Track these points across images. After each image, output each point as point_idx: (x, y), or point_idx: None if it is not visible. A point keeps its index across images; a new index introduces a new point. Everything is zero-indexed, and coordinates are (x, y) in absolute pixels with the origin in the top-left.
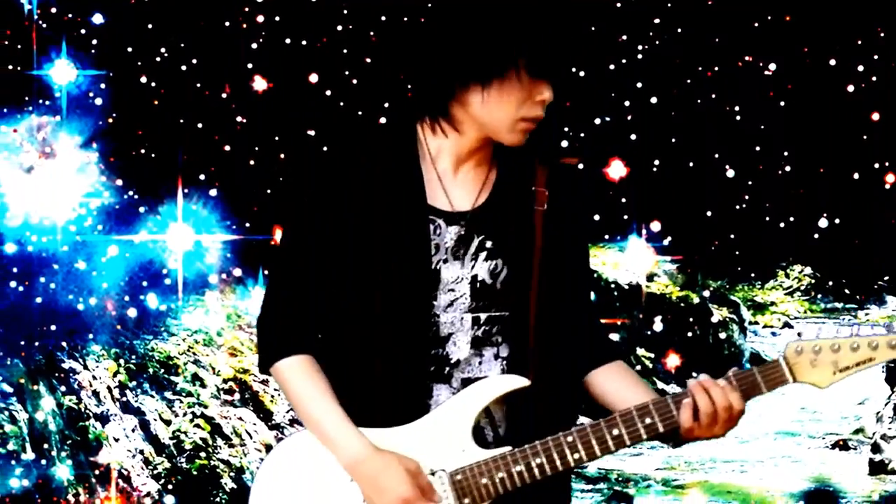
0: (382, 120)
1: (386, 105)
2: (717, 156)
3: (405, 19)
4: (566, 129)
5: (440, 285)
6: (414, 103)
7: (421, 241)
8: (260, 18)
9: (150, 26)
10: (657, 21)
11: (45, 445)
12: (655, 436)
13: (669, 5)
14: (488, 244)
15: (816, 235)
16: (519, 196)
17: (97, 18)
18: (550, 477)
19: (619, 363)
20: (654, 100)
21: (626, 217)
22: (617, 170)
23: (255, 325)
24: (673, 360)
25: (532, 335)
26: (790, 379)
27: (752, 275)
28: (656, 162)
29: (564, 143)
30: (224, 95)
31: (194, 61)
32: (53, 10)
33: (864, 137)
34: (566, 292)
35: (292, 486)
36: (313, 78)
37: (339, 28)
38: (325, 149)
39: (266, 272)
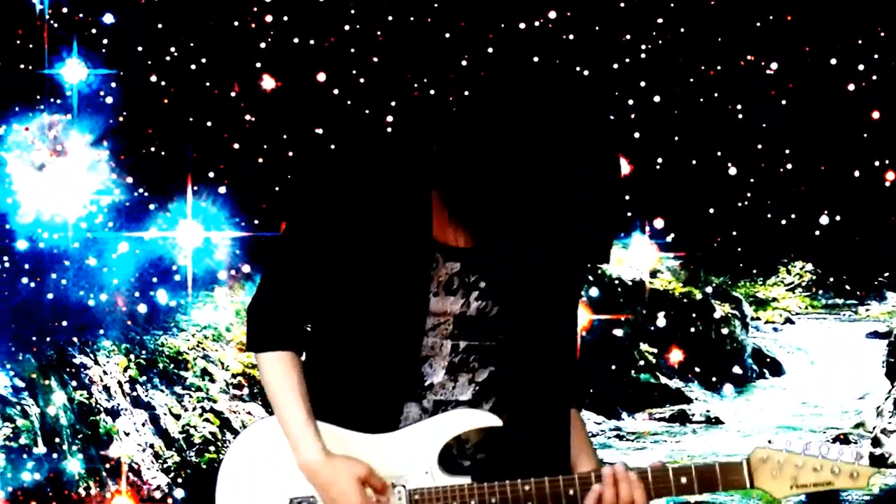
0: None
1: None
2: (719, 154)
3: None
4: None
5: (427, 314)
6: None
7: (420, 276)
8: (268, 18)
9: (159, 26)
10: (660, 21)
11: (57, 440)
12: None
13: (672, 5)
14: (482, 284)
15: (817, 232)
16: (515, 235)
17: (108, 18)
18: None
19: (577, 417)
20: (657, 98)
21: (629, 214)
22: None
23: (246, 309)
24: (676, 356)
25: (515, 368)
26: (747, 483)
27: (754, 271)
28: (659, 160)
29: None
30: (233, 94)
31: (203, 60)
32: (65, 10)
33: (865, 136)
34: (557, 329)
35: (258, 468)
36: (321, 77)
37: (347, 28)
38: (340, 153)
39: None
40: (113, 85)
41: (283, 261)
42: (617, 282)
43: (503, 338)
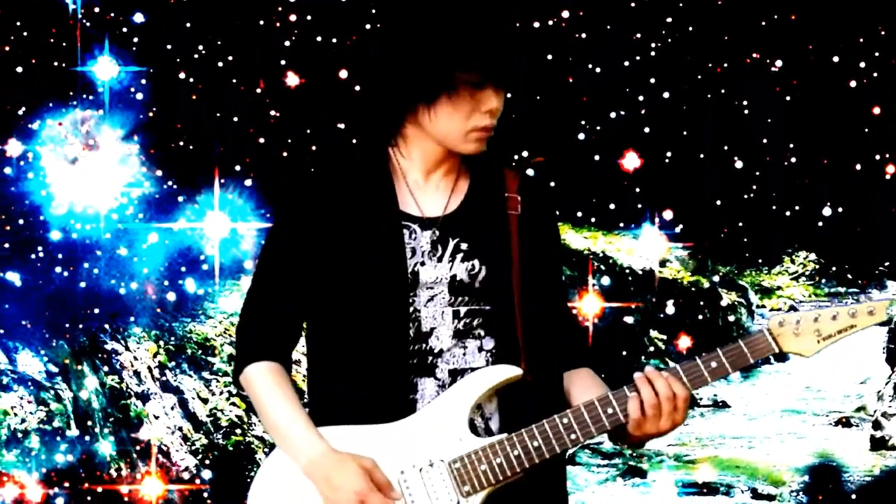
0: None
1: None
2: (725, 148)
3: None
4: (583, 122)
5: (419, 285)
6: (376, 127)
7: (395, 245)
8: (292, 18)
9: (188, 25)
10: (669, 20)
11: (89, 423)
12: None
13: (681, 5)
14: (463, 246)
15: (820, 223)
16: (492, 201)
17: (138, 17)
18: (544, 469)
19: (587, 370)
20: (666, 95)
21: (639, 206)
22: (631, 161)
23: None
24: (684, 342)
25: (520, 329)
26: (775, 348)
27: (760, 261)
28: (668, 154)
29: (525, 153)
30: (258, 90)
31: (230, 58)
32: (97, 9)
33: (866, 130)
34: (547, 291)
35: (283, 499)
36: (343, 74)
37: (368, 26)
38: (304, 166)
39: None
40: (143, 82)
41: (260, 279)
42: (628, 271)
43: (497, 299)
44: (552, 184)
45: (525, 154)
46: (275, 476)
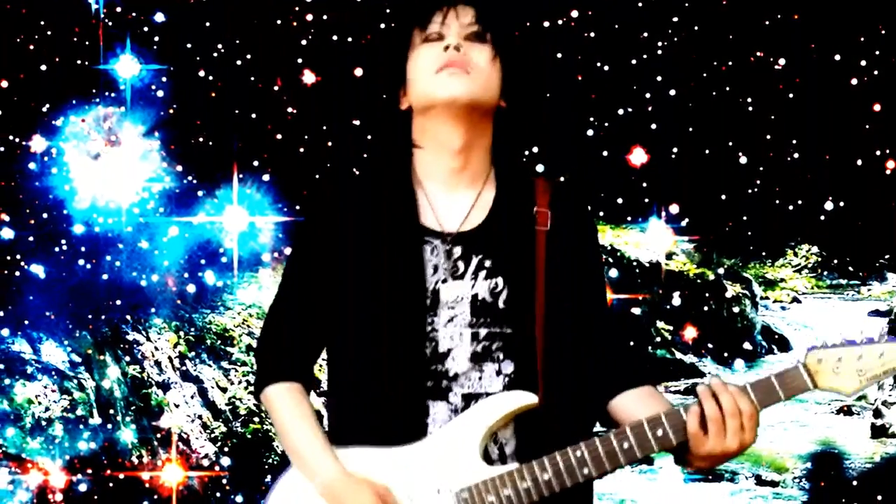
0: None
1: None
2: (730, 144)
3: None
4: (591, 118)
5: (440, 304)
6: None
7: (414, 261)
8: (309, 17)
9: (207, 24)
10: (675, 20)
11: (111, 411)
12: (670, 450)
13: (687, 5)
14: (487, 263)
15: (822, 217)
16: (519, 216)
17: (159, 17)
18: (571, 499)
19: (648, 388)
20: (672, 92)
21: (646, 200)
22: (638, 156)
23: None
24: (690, 333)
25: (540, 354)
26: (810, 385)
27: (763, 253)
28: (675, 149)
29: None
30: (276, 88)
31: (248, 56)
32: (118, 9)
33: (867, 127)
34: (576, 314)
35: None
36: (358, 72)
37: (382, 25)
38: (324, 179)
39: None
40: (164, 79)
41: (281, 296)
42: (635, 263)
43: (519, 321)
44: (584, 194)
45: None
46: (287, 496)
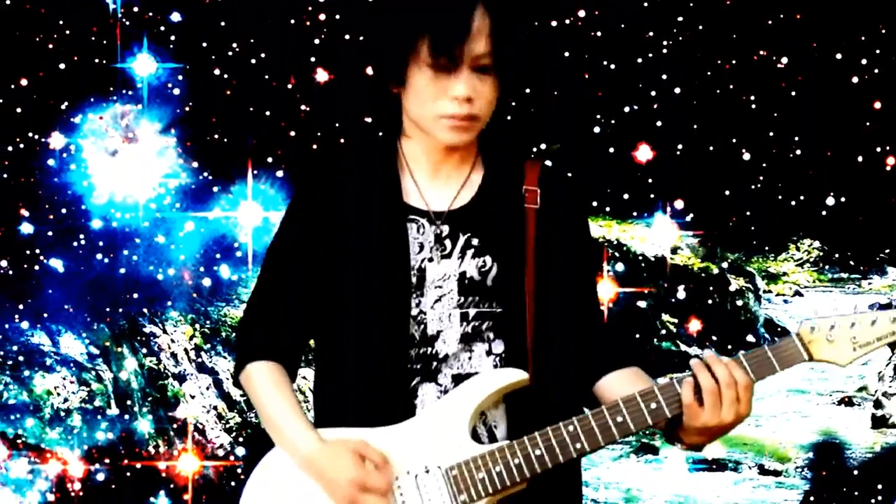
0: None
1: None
2: (734, 141)
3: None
4: (598, 116)
5: (426, 283)
6: (383, 118)
7: (399, 239)
8: (322, 17)
9: (222, 24)
10: (680, 19)
11: (129, 402)
12: (663, 425)
13: (691, 5)
14: (475, 242)
15: (824, 212)
16: (508, 195)
17: (175, 17)
18: (559, 480)
19: (634, 369)
20: (677, 90)
21: (652, 196)
22: (644, 153)
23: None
24: (694, 325)
25: (530, 332)
26: (805, 356)
27: (766, 248)
28: (680, 146)
29: (542, 145)
30: (289, 86)
31: (262, 55)
32: (136, 9)
33: (867, 124)
34: (566, 292)
35: (279, 497)
36: (369, 70)
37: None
38: (309, 162)
39: None
40: (180, 78)
41: (264, 276)
42: (641, 258)
43: (509, 300)
44: (572, 174)
45: (543, 146)
46: (270, 475)
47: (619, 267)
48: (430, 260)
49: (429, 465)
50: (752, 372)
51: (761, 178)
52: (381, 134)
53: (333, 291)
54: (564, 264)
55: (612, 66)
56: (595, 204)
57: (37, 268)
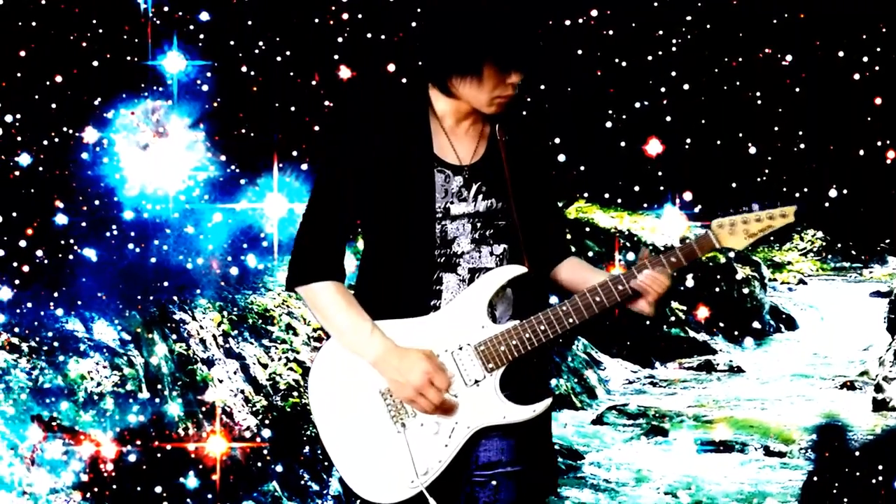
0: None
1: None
2: (740, 135)
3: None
4: (610, 111)
5: (449, 216)
6: (423, 74)
7: (427, 185)
8: (345, 16)
9: (249, 23)
10: (689, 18)
11: (159, 386)
12: (625, 300)
13: (699, 5)
14: (484, 189)
15: (827, 204)
16: (518, 150)
17: (204, 16)
18: (536, 365)
19: (575, 258)
20: (686, 86)
21: (661, 188)
22: (654, 147)
23: (293, 243)
24: (702, 312)
25: (521, 237)
26: (716, 244)
27: (771, 238)
28: (688, 140)
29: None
30: (314, 83)
31: (288, 53)
32: (166, 8)
33: (868, 119)
34: (538, 205)
35: (343, 374)
36: (391, 67)
37: (414, 24)
38: (354, 107)
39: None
40: (209, 75)
41: (319, 201)
42: (651, 248)
43: (508, 220)
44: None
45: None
46: (330, 362)
47: (630, 256)
48: (453, 203)
49: (461, 344)
50: (683, 256)
51: (766, 171)
52: (413, 89)
53: (374, 216)
54: (535, 185)
55: (624, 64)
56: (607, 196)
57: (71, 257)
